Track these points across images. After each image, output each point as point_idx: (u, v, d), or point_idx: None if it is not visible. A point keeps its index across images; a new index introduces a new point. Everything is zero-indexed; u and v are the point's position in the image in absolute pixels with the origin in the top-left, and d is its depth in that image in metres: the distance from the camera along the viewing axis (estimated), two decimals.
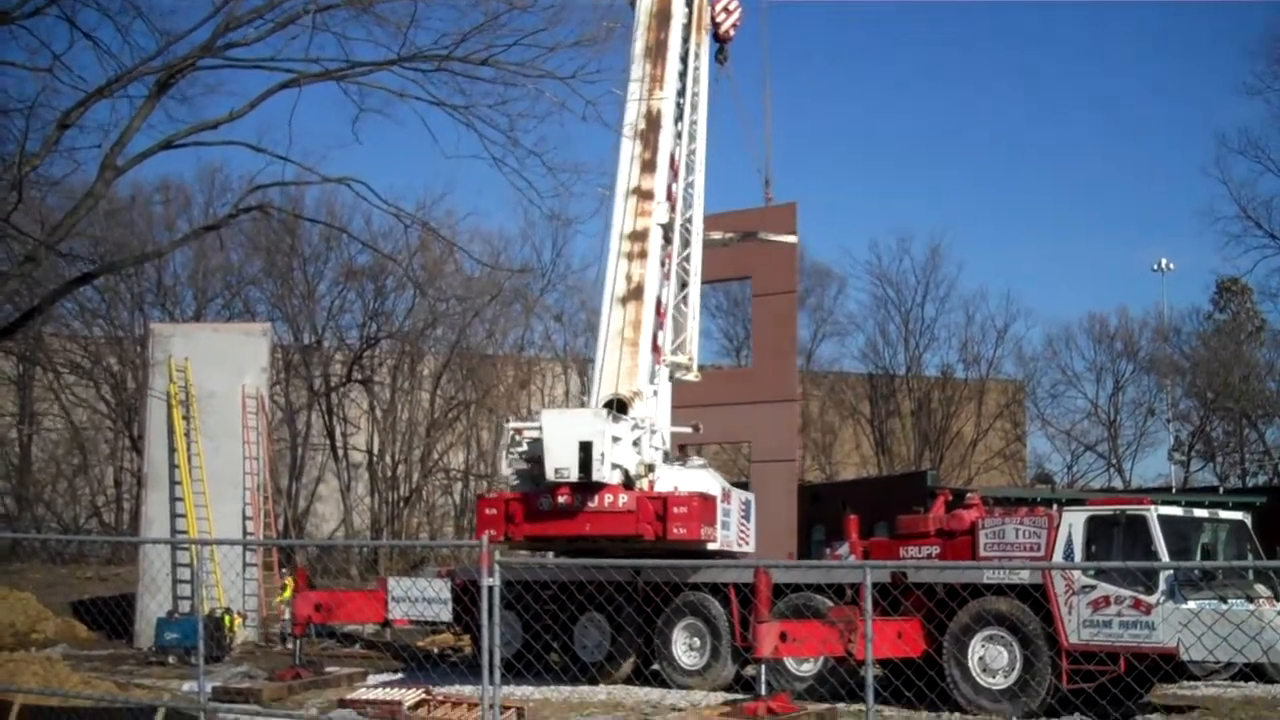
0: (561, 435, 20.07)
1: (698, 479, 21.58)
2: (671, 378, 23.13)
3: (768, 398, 27.69)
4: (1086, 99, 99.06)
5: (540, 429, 20.58)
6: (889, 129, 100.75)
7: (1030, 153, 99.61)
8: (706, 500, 20.83)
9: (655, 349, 22.36)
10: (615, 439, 20.20)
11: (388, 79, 20.29)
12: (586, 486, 20.12)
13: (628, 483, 20.42)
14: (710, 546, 21.04)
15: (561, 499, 20.19)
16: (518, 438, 21.29)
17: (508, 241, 56.43)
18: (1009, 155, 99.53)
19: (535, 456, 20.61)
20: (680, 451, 25.74)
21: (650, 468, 20.91)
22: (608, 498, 20.29)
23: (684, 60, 24.30)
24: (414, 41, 19.65)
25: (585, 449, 19.90)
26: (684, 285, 23.67)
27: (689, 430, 23.28)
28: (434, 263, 47.78)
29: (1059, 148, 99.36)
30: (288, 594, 27.90)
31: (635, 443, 20.59)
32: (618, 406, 20.93)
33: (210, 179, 49.81)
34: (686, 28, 24.40)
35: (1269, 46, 52.49)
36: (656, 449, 21.30)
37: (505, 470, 21.82)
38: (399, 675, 22.42)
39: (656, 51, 23.70)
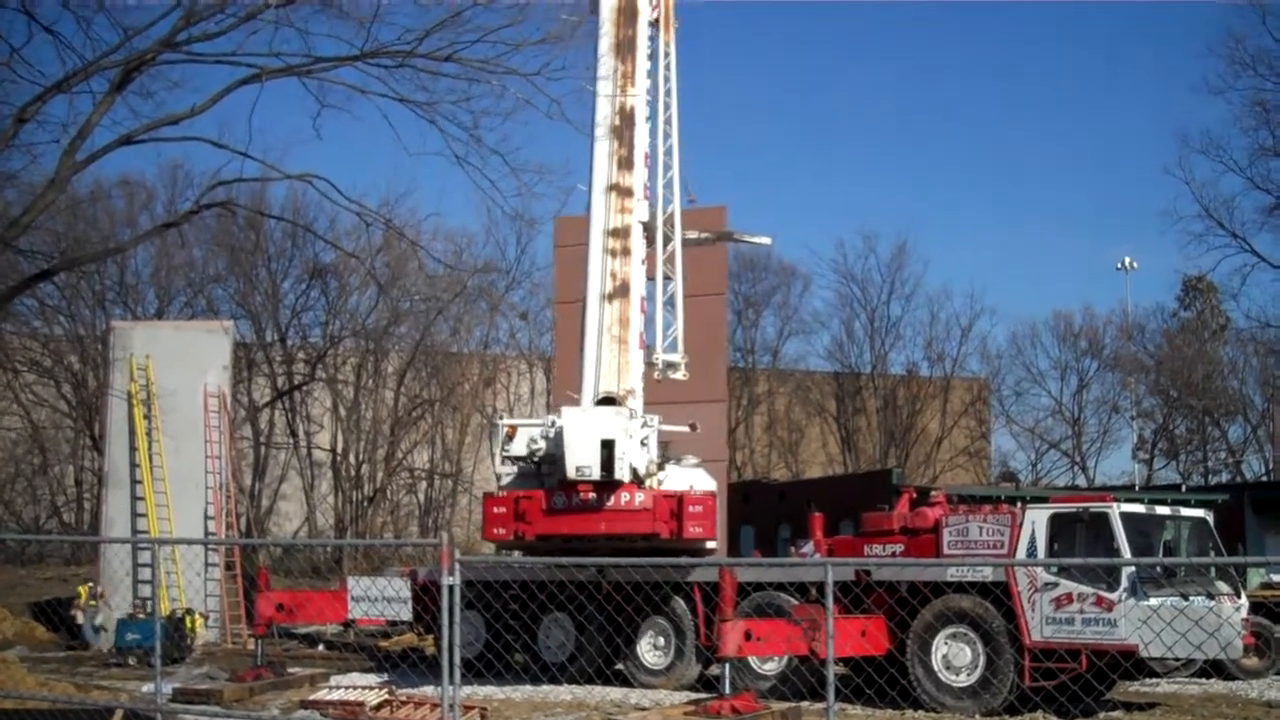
0: (583, 433, 20.01)
1: (697, 477, 21.62)
2: (663, 376, 23.09)
3: (696, 398, 27.71)
4: (1051, 98, 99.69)
5: (550, 426, 20.65)
6: (855, 127, 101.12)
7: (995, 151, 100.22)
8: (714, 499, 20.93)
9: (641, 346, 22.36)
10: (629, 437, 20.24)
11: (350, 75, 20.15)
12: (605, 485, 20.09)
13: (636, 481, 20.42)
14: (709, 545, 21.10)
15: (585, 496, 20.14)
16: (511, 435, 21.27)
17: (471, 239, 56.20)
18: (974, 153, 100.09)
19: (551, 455, 20.57)
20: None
21: (661, 466, 20.96)
22: (624, 496, 20.26)
23: (652, 58, 24.20)
24: (377, 37, 19.52)
25: (607, 447, 19.87)
26: (668, 282, 23.56)
27: (685, 430, 23.32)
28: (398, 260, 47.50)
29: (1024, 146, 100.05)
30: (84, 598, 28.24)
31: (643, 441, 20.58)
32: (610, 405, 20.92)
33: (172, 175, 49.40)
34: (654, 25, 24.30)
35: (1229, 47, 52.79)
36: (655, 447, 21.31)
37: (499, 468, 21.75)
38: (361, 676, 22.27)
39: (625, 48, 23.60)
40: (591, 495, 20.11)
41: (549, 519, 20.43)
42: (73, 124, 20.56)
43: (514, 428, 21.40)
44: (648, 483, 20.53)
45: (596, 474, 19.87)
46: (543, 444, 20.71)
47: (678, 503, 20.34)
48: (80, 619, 28.46)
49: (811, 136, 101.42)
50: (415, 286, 49.98)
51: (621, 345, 21.60)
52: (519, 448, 21.12)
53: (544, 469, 20.85)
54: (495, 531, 20.75)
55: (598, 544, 20.53)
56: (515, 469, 21.41)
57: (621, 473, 19.95)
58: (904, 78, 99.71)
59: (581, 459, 19.90)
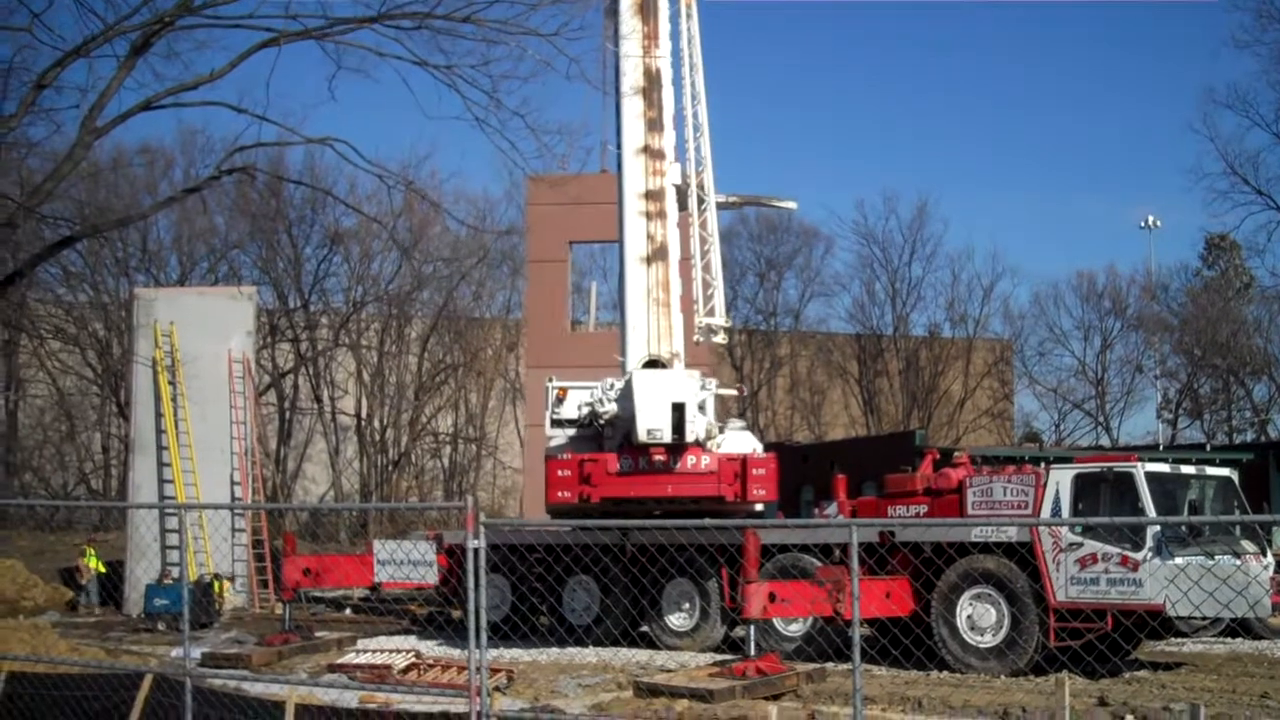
0: (654, 396, 20.03)
1: (747, 440, 21.67)
2: (704, 340, 23.09)
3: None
4: (1073, 55, 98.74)
5: (609, 388, 20.72)
6: (876, 88, 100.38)
7: (1017, 110, 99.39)
8: (775, 461, 21.06)
9: (682, 309, 22.35)
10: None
11: (368, 37, 20.09)
12: (673, 448, 20.12)
13: (699, 444, 20.48)
14: (758, 507, 21.13)
15: (658, 459, 20.18)
16: (561, 397, 21.33)
17: (493, 203, 56.22)
18: (995, 112, 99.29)
19: (616, 417, 20.60)
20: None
21: (721, 429, 20.98)
22: (690, 459, 20.34)
23: (673, 21, 24.02)
24: None
25: (678, 410, 19.90)
26: (705, 246, 23.46)
27: (734, 393, 23.36)
28: (419, 225, 47.60)
29: (1046, 104, 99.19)
30: (93, 562, 29.06)
31: (701, 405, 20.59)
32: (657, 368, 20.91)
33: (191, 141, 49.50)
34: None
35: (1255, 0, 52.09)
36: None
37: (550, 429, 21.77)
38: (388, 639, 22.42)
39: (646, 9, 23.44)
40: (664, 458, 20.13)
41: (616, 482, 20.39)
42: (92, 89, 20.58)
43: (564, 390, 21.46)
44: (708, 446, 20.58)
45: (668, 436, 19.89)
46: (612, 407, 20.65)
47: (742, 465, 20.37)
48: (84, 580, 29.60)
49: (832, 100, 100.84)
50: (437, 251, 50.02)
51: (664, 309, 21.59)
52: (569, 410, 21.16)
53: (605, 431, 20.84)
54: (560, 495, 20.53)
55: (648, 506, 20.52)
56: (562, 432, 21.45)
57: (692, 435, 19.98)
58: (924, 39, 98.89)
59: (653, 421, 19.89)
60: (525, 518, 32.72)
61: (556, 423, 21.72)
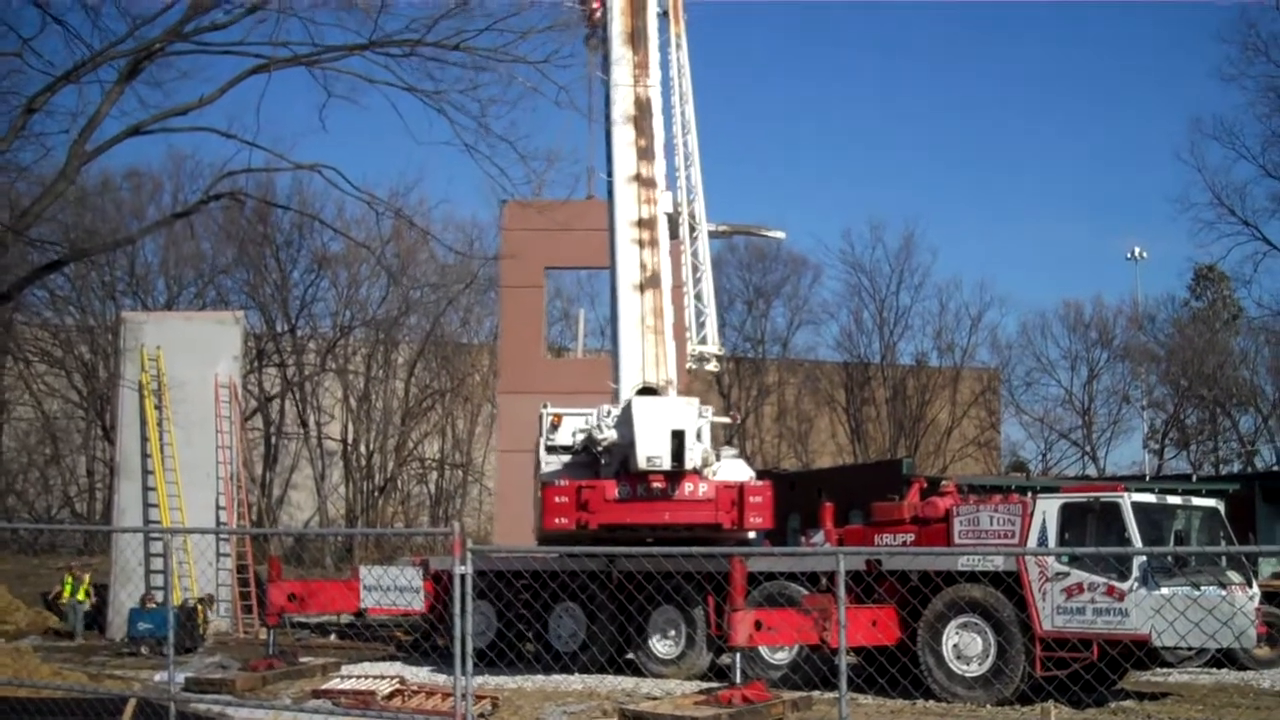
0: (654, 423, 19.95)
1: (741, 469, 21.66)
2: (697, 367, 23.09)
3: None
4: (1061, 85, 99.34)
5: (604, 415, 20.67)
6: (863, 118, 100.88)
7: (1004, 139, 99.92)
8: (771, 489, 21.04)
9: (675, 337, 22.36)
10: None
11: (358, 64, 20.15)
12: (672, 475, 20.08)
13: (696, 471, 20.46)
14: (751, 535, 21.10)
15: (657, 486, 20.08)
16: (556, 424, 21.30)
17: (481, 229, 56.20)
18: (983, 142, 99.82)
19: (614, 444, 20.54)
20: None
21: (718, 456, 20.98)
22: (688, 486, 20.26)
23: (663, 50, 24.17)
24: (383, 27, 19.51)
25: (678, 437, 19.83)
26: (696, 274, 23.49)
27: (726, 421, 23.35)
28: (407, 250, 47.63)
29: (1033, 134, 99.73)
30: (68, 591, 28.73)
31: (699, 432, 20.57)
32: (649, 395, 20.93)
33: (179, 166, 49.45)
34: (663, 16, 24.26)
35: (1242, 32, 52.55)
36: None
37: (543, 455, 21.71)
38: (373, 665, 22.34)
39: (636, 38, 23.59)
40: (664, 485, 20.07)
41: (614, 508, 20.29)
42: (82, 114, 20.61)
43: (559, 416, 21.42)
44: (705, 473, 20.58)
45: (667, 464, 19.82)
46: (610, 433, 20.59)
47: (739, 493, 20.33)
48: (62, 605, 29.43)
49: (819, 128, 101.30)
50: (425, 276, 50.06)
51: (657, 336, 21.60)
52: (564, 437, 21.11)
53: (602, 458, 20.83)
54: (557, 521, 20.36)
55: (643, 533, 20.47)
56: (557, 458, 21.42)
57: (691, 463, 19.97)
58: (912, 70, 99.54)
59: (653, 449, 19.81)
60: (502, 543, 32.59)
61: (551, 449, 21.67)
